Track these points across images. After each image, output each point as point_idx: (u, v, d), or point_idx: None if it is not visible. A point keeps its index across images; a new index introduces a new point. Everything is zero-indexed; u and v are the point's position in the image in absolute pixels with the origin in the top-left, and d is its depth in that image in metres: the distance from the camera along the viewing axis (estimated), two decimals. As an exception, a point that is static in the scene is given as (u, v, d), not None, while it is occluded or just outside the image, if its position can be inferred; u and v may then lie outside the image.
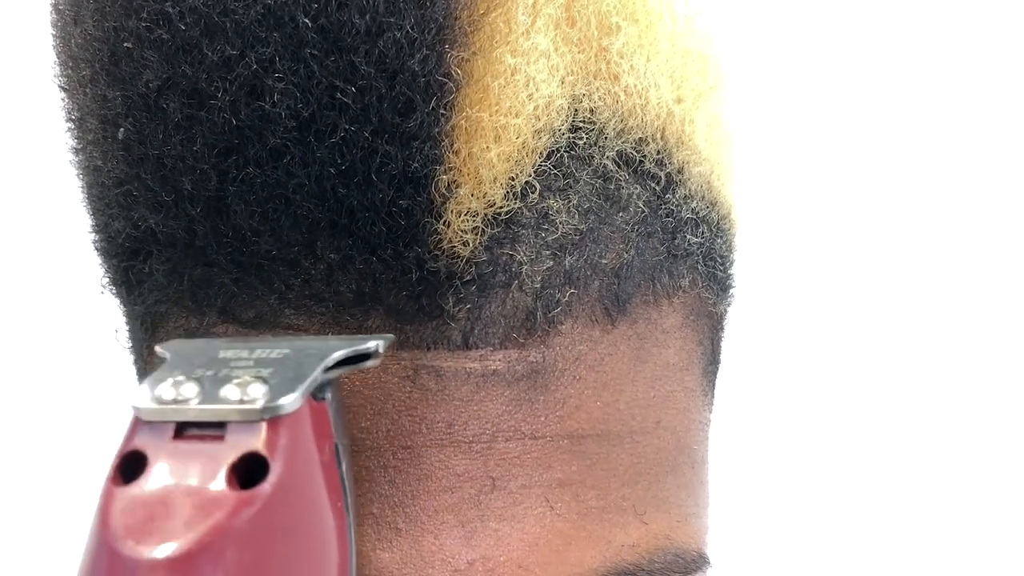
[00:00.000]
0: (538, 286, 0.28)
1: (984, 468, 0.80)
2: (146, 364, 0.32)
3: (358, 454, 0.27)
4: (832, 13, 0.80)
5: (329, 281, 0.27)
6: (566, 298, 0.28)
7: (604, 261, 0.29)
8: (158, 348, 0.26)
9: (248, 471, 0.23)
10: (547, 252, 0.28)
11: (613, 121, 0.30)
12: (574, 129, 0.29)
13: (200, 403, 0.23)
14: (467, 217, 0.27)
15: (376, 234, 0.27)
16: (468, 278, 0.27)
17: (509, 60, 0.28)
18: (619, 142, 0.30)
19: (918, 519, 0.80)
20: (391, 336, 0.26)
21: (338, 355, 0.25)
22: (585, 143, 0.29)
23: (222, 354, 0.25)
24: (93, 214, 0.32)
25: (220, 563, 0.21)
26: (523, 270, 0.28)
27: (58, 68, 0.32)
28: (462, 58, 0.27)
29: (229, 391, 0.23)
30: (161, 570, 0.21)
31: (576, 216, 0.29)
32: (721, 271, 0.33)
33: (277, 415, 0.23)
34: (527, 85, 0.28)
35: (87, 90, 0.30)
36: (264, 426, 0.23)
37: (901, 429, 0.81)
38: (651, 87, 0.31)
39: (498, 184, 0.28)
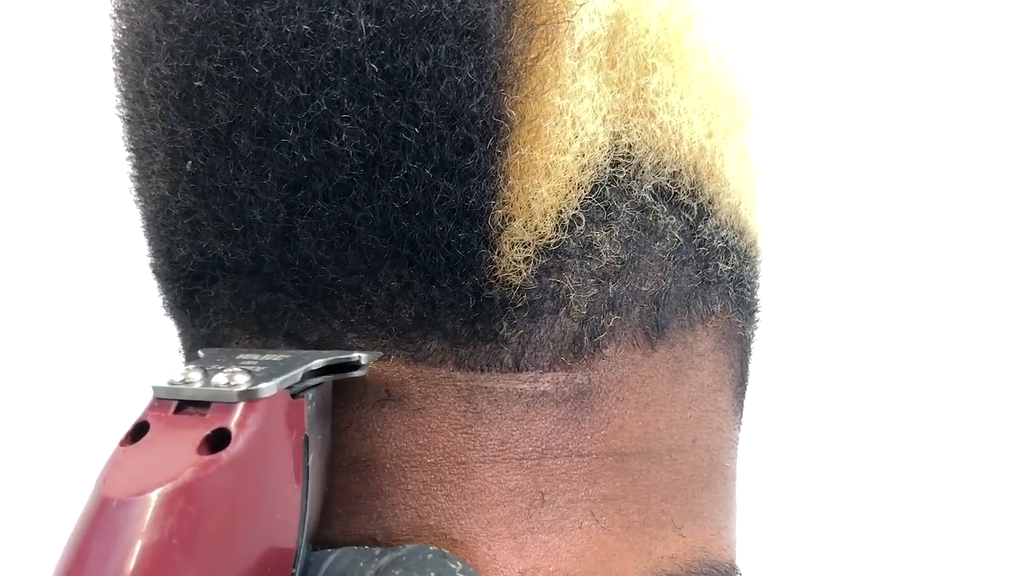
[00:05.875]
0: (584, 312, 0.30)
1: (982, 472, 0.82)
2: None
3: (417, 469, 0.29)
4: (852, 53, 0.82)
5: (390, 307, 0.29)
6: (610, 324, 0.30)
7: (644, 289, 0.31)
8: (200, 352, 0.31)
9: (222, 442, 0.27)
10: (592, 280, 0.30)
11: (650, 156, 0.31)
12: (614, 164, 0.31)
13: (199, 387, 0.28)
14: (519, 248, 0.29)
15: (435, 264, 0.28)
16: (520, 305, 0.29)
17: (558, 101, 0.29)
18: (655, 175, 0.31)
19: (914, 525, 0.81)
20: (378, 353, 0.29)
21: (320, 362, 0.29)
22: (624, 177, 0.31)
23: (239, 356, 0.29)
24: (154, 240, 0.33)
25: (172, 510, 0.25)
26: (570, 297, 0.30)
27: (122, 101, 0.33)
28: (516, 100, 0.28)
29: (219, 378, 0.27)
30: (122, 509, 0.25)
31: (618, 246, 0.30)
32: (749, 297, 0.35)
33: (251, 399, 0.27)
34: (573, 124, 0.29)
35: (156, 124, 0.31)
36: (238, 407, 0.27)
37: (894, 435, 0.82)
38: (684, 123, 0.32)
39: (548, 217, 0.29)
